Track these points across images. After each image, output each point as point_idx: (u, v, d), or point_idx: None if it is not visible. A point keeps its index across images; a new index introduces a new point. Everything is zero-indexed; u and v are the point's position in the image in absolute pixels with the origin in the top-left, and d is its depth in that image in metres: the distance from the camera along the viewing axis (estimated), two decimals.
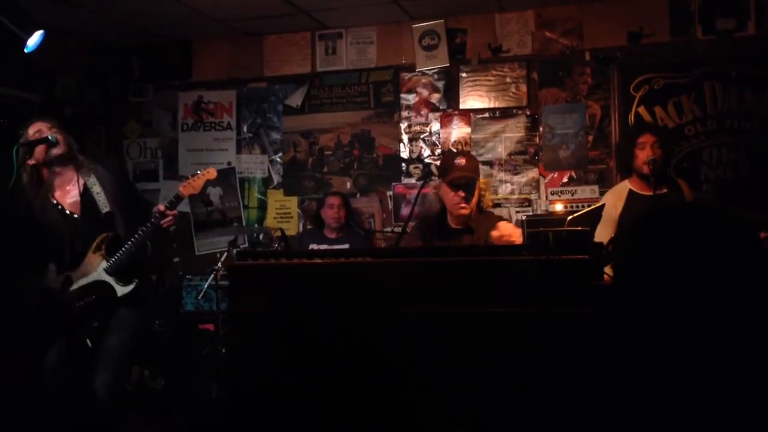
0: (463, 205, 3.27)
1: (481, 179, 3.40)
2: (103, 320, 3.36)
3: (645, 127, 4.51)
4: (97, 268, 3.36)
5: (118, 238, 3.41)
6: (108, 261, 3.36)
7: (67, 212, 3.41)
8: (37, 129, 3.40)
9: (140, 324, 3.56)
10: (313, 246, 5.14)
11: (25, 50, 4.20)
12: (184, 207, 6.17)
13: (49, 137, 3.36)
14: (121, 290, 3.38)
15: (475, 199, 3.30)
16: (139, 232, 3.38)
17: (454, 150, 5.56)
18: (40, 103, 5.57)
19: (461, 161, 3.33)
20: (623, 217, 3.87)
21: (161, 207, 3.41)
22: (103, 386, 3.29)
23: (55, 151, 3.37)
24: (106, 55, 6.26)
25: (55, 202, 3.41)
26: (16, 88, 5.46)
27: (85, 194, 3.42)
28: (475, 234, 3.29)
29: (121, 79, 6.34)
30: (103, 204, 3.42)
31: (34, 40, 4.22)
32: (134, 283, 3.39)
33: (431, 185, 3.63)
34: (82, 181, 3.43)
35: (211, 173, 3.54)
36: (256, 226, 6.02)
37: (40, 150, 3.35)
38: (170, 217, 3.41)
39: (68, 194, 3.43)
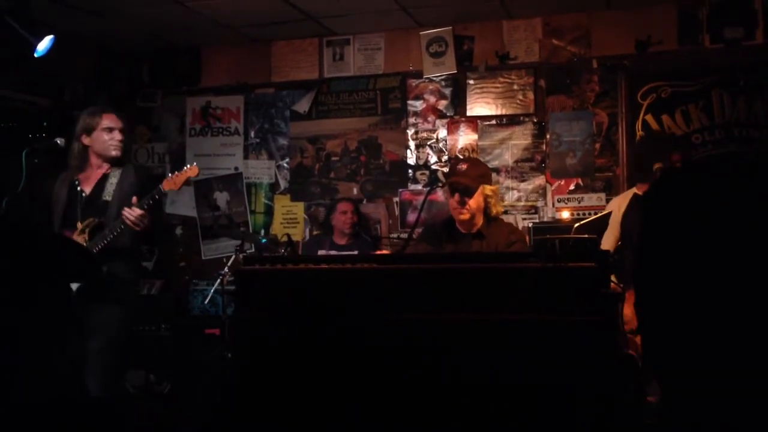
0: (459, 209, 3.28)
1: (490, 186, 3.37)
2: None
3: (675, 145, 4.55)
4: None
5: (102, 225, 3.51)
6: (87, 244, 3.46)
7: (79, 188, 3.61)
8: (114, 123, 3.62)
9: (123, 326, 3.55)
10: (322, 252, 5.14)
11: (35, 54, 4.24)
12: (190, 212, 6.21)
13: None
14: None
15: (474, 204, 3.28)
16: (116, 222, 3.45)
17: (461, 156, 5.56)
18: (50, 108, 5.60)
19: (462, 167, 3.34)
20: (625, 219, 3.98)
21: (134, 199, 3.44)
22: (94, 389, 3.35)
23: (117, 153, 3.62)
24: (115, 60, 6.30)
25: (76, 180, 3.63)
26: (25, 92, 5.49)
27: (101, 180, 3.62)
28: (485, 240, 3.29)
29: (130, 84, 6.37)
30: (107, 193, 3.56)
31: (44, 44, 4.25)
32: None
33: (440, 192, 3.64)
34: (107, 170, 3.64)
35: (194, 170, 3.59)
36: (262, 232, 6.03)
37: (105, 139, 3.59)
38: (132, 213, 3.39)
39: (91, 177, 3.65)
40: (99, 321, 3.43)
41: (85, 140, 3.62)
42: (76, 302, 3.43)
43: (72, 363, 3.44)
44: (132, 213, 3.38)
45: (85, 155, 3.64)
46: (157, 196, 3.48)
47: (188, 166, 3.62)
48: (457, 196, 3.27)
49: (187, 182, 3.62)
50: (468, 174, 3.29)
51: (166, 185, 3.52)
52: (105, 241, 3.43)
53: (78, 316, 3.43)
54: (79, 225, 3.50)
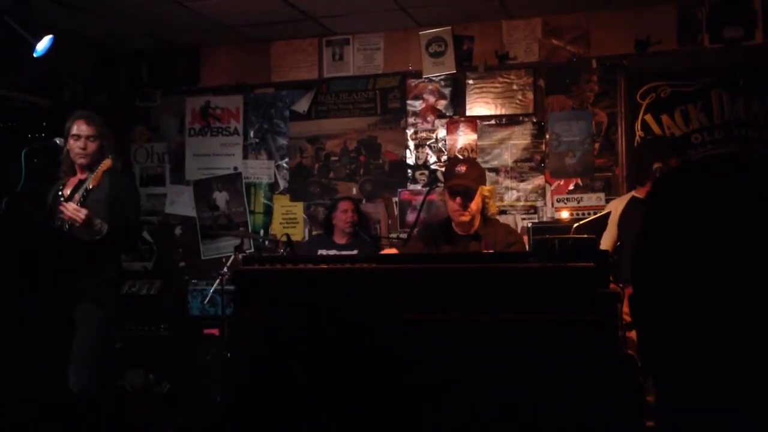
0: (461, 211, 3.28)
1: (486, 187, 3.39)
2: None
3: (673, 150, 4.56)
4: None
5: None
6: None
7: (60, 193, 3.69)
8: (82, 131, 3.66)
9: (101, 324, 3.58)
10: (322, 251, 5.14)
11: (35, 54, 4.23)
12: (189, 212, 6.21)
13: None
14: None
15: (475, 206, 3.29)
16: (64, 225, 3.49)
17: (460, 156, 5.56)
18: (49, 108, 5.60)
19: (461, 168, 3.34)
20: (622, 220, 4.02)
21: (76, 197, 3.49)
22: (75, 386, 3.44)
23: (81, 161, 3.66)
24: (114, 60, 6.29)
25: (61, 186, 3.70)
26: (25, 92, 5.49)
27: (78, 185, 3.65)
28: (482, 241, 3.29)
29: (130, 83, 6.37)
30: (79, 198, 3.56)
31: (43, 44, 4.25)
32: None
33: (438, 192, 3.66)
34: (84, 177, 3.66)
35: (106, 164, 3.59)
36: (261, 232, 6.03)
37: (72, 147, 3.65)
38: (71, 208, 3.41)
39: (73, 183, 3.70)
40: (77, 319, 3.50)
41: (67, 145, 3.70)
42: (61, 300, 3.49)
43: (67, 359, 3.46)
44: (67, 207, 3.42)
45: (69, 159, 3.73)
46: (84, 193, 3.49)
47: (105, 160, 3.63)
48: (458, 200, 3.26)
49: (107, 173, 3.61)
50: (468, 176, 3.29)
51: (91, 182, 3.53)
52: None
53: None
54: None
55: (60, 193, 3.69)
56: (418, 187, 5.74)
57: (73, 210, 3.40)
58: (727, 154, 4.32)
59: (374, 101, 5.85)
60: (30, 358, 3.52)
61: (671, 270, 1.06)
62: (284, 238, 5.17)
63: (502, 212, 5.35)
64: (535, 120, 5.48)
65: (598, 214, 4.63)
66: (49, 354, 3.47)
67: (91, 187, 3.50)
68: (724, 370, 1.02)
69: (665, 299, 1.07)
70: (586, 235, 2.41)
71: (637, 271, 1.13)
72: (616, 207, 4.20)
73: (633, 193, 4.24)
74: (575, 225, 3.66)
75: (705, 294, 1.02)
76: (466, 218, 3.29)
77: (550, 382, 2.18)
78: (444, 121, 5.70)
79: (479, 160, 5.45)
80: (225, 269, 5.14)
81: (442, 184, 5.35)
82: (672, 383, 1.09)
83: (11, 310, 3.63)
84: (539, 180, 5.46)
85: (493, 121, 5.58)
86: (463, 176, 3.29)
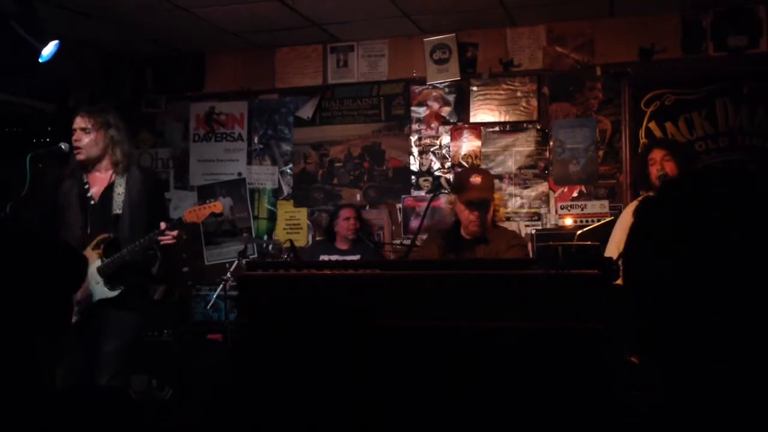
0: (476, 222, 3.32)
1: (495, 194, 3.46)
2: (84, 319, 3.40)
3: (654, 143, 4.53)
4: (91, 266, 3.40)
5: (117, 241, 3.48)
6: (103, 261, 3.43)
7: (89, 195, 3.56)
8: (77, 124, 3.56)
9: (136, 332, 3.61)
10: (324, 257, 5.14)
11: (40, 60, 4.25)
12: None
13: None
14: (104, 293, 3.43)
15: (489, 216, 3.35)
16: (138, 242, 3.44)
17: (466, 164, 5.56)
18: (54, 113, 5.61)
19: (477, 180, 3.36)
20: None
21: (163, 225, 3.45)
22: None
23: (79, 157, 3.54)
24: (119, 65, 6.32)
25: (86, 182, 3.57)
26: (30, 98, 5.50)
27: (108, 189, 3.56)
28: (489, 244, 3.33)
29: (135, 89, 6.39)
30: (117, 205, 3.53)
31: (48, 50, 4.26)
32: (119, 290, 3.44)
33: (443, 198, 3.69)
34: (112, 177, 3.57)
35: (218, 207, 3.54)
36: (265, 237, 6.04)
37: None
38: (168, 237, 3.44)
39: (98, 182, 3.59)
40: (114, 326, 3.46)
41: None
42: (94, 308, 3.45)
43: (74, 368, 3.44)
44: (168, 238, 3.41)
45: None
46: (177, 223, 3.48)
47: (213, 201, 3.57)
48: (476, 214, 3.31)
49: (212, 216, 3.62)
50: (484, 187, 3.35)
51: (188, 217, 3.50)
52: (123, 258, 3.43)
53: (96, 321, 3.45)
54: (93, 240, 3.48)
55: (89, 194, 3.56)
56: (422, 193, 5.74)
57: (175, 237, 3.41)
58: (731, 164, 4.26)
59: (378, 108, 5.86)
60: (36, 362, 3.51)
61: (667, 277, 1.06)
62: (288, 244, 5.16)
63: (507, 219, 5.36)
64: (539, 127, 5.48)
65: (602, 221, 4.63)
66: (62, 357, 3.45)
67: (188, 221, 3.47)
68: (720, 375, 1.03)
69: (659, 306, 1.08)
70: (589, 242, 2.41)
71: (630, 275, 1.13)
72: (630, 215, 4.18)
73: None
74: (579, 232, 3.68)
75: (701, 302, 1.02)
76: (480, 229, 3.35)
77: (552, 390, 2.18)
78: (448, 127, 5.70)
79: (483, 166, 5.45)
80: (228, 275, 5.15)
81: (447, 191, 5.37)
82: (665, 382, 1.09)
83: (14, 314, 3.62)
84: (543, 187, 5.46)
85: (497, 128, 5.59)
86: (480, 188, 3.33)
